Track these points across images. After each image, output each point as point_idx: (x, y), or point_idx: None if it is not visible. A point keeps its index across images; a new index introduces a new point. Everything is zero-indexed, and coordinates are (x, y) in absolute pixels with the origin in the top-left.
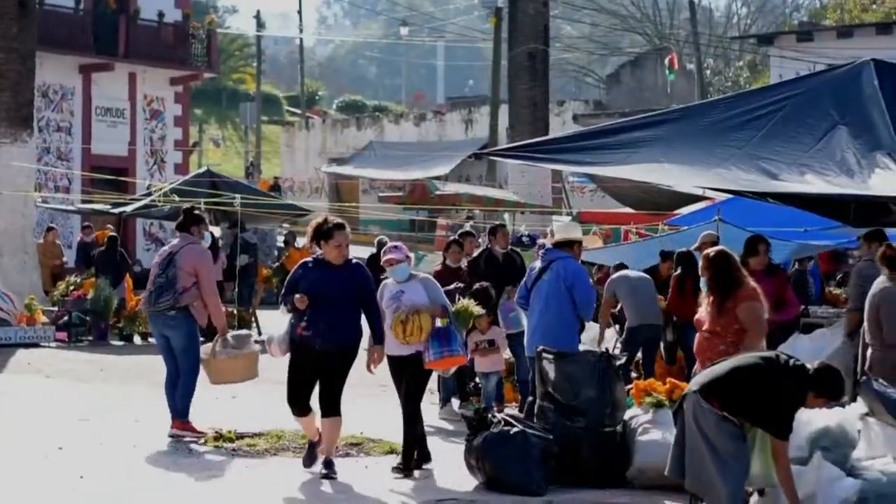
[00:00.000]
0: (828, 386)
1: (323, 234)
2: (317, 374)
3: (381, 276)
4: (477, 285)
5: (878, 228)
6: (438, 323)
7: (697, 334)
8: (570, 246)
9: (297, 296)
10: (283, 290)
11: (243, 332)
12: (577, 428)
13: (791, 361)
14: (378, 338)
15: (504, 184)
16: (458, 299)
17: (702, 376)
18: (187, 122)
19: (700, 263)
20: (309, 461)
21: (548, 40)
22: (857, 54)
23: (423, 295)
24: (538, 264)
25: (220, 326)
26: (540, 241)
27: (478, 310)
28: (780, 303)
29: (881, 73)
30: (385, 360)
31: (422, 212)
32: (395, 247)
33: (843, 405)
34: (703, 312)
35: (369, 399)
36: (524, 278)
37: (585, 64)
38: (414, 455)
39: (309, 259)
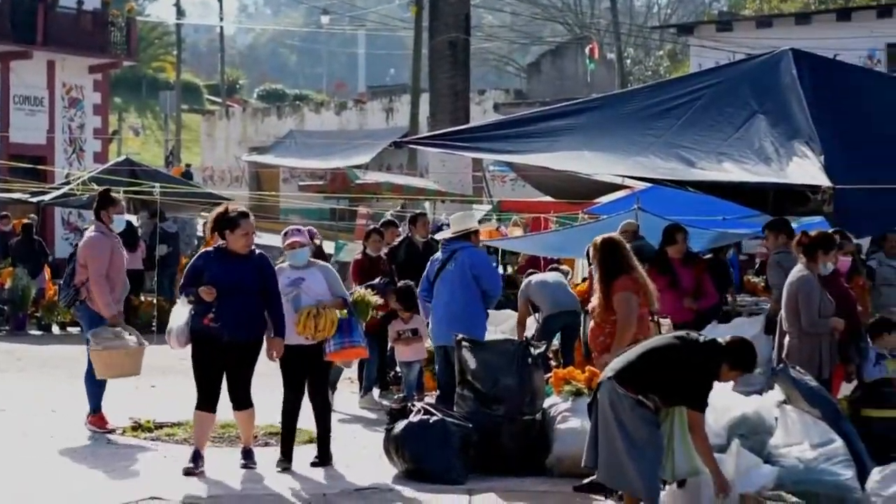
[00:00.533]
0: (740, 357)
1: (227, 223)
2: (224, 366)
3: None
4: (400, 283)
5: (782, 218)
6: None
7: (591, 323)
8: (467, 236)
9: (205, 287)
10: (182, 281)
11: (118, 328)
12: (497, 416)
13: (702, 338)
14: (280, 330)
15: (425, 173)
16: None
17: (616, 362)
18: (107, 110)
19: (591, 250)
20: (195, 468)
21: (469, 29)
22: (776, 44)
23: (324, 284)
24: (439, 255)
25: (108, 317)
26: (437, 235)
27: (375, 300)
28: (699, 292)
29: (799, 63)
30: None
31: (342, 201)
32: (298, 230)
33: (760, 392)
34: (594, 300)
35: None
36: (426, 270)
37: (506, 53)
38: (330, 447)
39: (209, 249)
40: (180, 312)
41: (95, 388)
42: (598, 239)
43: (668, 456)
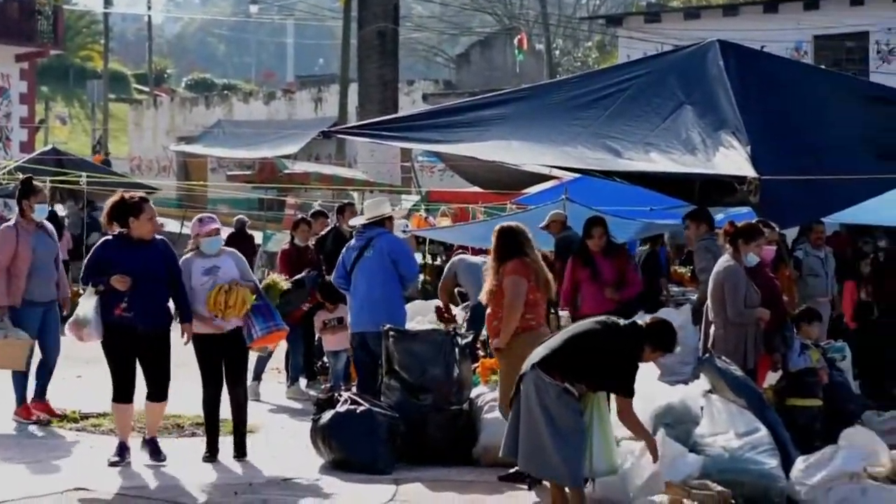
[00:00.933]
0: (661, 338)
1: (131, 209)
2: (139, 357)
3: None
4: (328, 280)
5: (701, 207)
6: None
7: (488, 309)
8: (381, 223)
9: (118, 276)
10: (85, 271)
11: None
12: (424, 406)
13: (622, 321)
14: (187, 315)
15: (353, 163)
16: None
17: (539, 351)
18: (33, 99)
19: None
20: (121, 460)
21: (398, 19)
22: (704, 36)
23: (236, 270)
24: (355, 243)
25: None
26: (351, 221)
27: (286, 284)
28: (622, 282)
29: (726, 54)
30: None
31: (271, 191)
32: (212, 218)
33: (686, 382)
34: (487, 286)
35: None
36: (340, 258)
37: (436, 44)
38: (246, 439)
39: (109, 237)
40: (87, 304)
41: (18, 379)
42: (498, 226)
43: (588, 453)
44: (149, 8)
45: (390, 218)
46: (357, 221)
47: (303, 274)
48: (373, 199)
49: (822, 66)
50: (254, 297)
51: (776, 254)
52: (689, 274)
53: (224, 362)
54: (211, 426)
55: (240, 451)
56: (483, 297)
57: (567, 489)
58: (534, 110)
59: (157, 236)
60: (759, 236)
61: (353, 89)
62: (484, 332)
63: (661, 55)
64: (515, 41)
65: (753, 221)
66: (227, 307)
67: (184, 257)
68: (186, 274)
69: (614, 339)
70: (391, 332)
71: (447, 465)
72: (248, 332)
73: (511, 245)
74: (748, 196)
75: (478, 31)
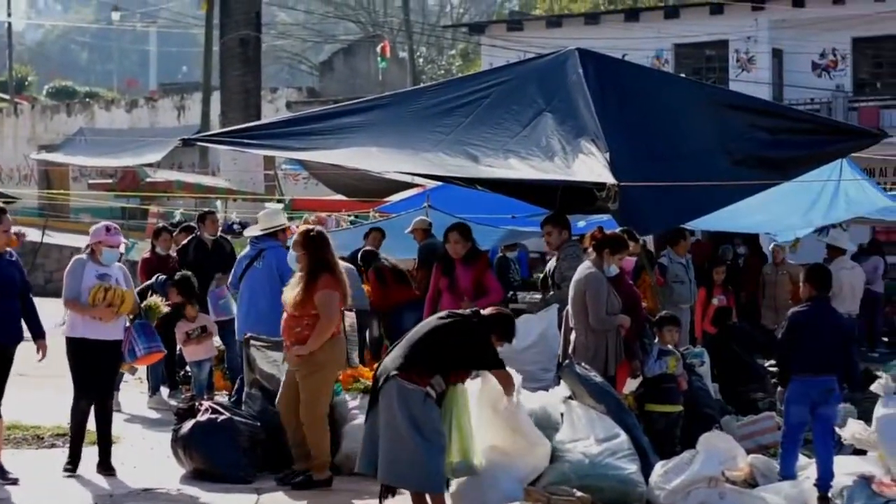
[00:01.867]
0: (504, 328)
1: None
2: None
3: None
4: (178, 275)
5: (560, 213)
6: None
7: (285, 314)
8: (275, 234)
9: None
10: None
11: None
12: None
13: (466, 311)
14: (41, 331)
15: (217, 171)
16: (149, 294)
17: (391, 361)
18: None
19: (296, 239)
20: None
21: (260, 27)
22: (566, 44)
23: (124, 284)
24: (247, 252)
25: None
26: (246, 231)
27: (165, 308)
28: (480, 290)
29: (585, 62)
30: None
31: (133, 199)
32: (118, 230)
33: (546, 388)
34: (291, 291)
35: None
36: (234, 267)
37: (299, 51)
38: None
39: None
40: None
41: None
42: (304, 229)
43: (448, 454)
44: (9, 14)
45: (285, 230)
46: (252, 232)
47: (151, 280)
48: (268, 209)
49: (682, 75)
50: (133, 302)
51: (637, 262)
52: (541, 281)
53: (98, 372)
54: (77, 437)
55: (106, 467)
56: (288, 304)
57: (428, 496)
58: (396, 118)
59: (9, 249)
60: (624, 249)
61: (217, 97)
62: None
63: (522, 63)
64: (378, 49)
65: (619, 232)
66: (107, 302)
67: (77, 258)
68: (76, 275)
69: (466, 327)
70: (252, 341)
71: None
72: (131, 348)
73: (323, 254)
74: (607, 203)
75: (342, 39)
